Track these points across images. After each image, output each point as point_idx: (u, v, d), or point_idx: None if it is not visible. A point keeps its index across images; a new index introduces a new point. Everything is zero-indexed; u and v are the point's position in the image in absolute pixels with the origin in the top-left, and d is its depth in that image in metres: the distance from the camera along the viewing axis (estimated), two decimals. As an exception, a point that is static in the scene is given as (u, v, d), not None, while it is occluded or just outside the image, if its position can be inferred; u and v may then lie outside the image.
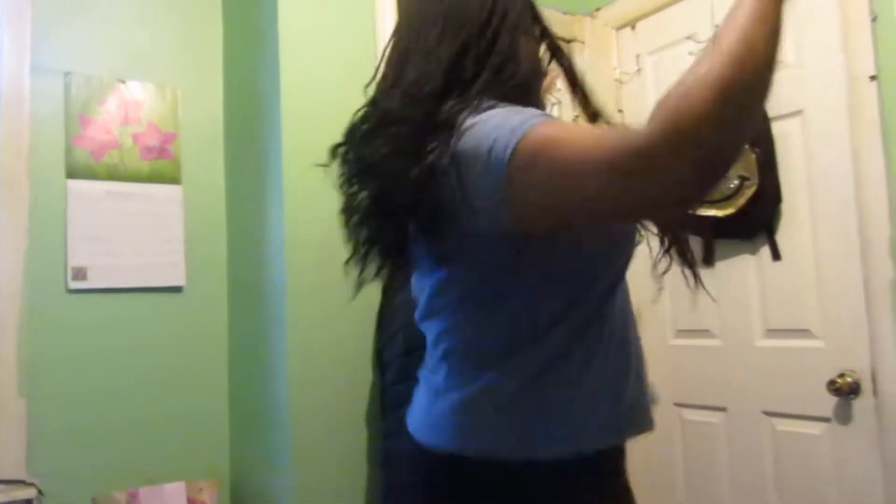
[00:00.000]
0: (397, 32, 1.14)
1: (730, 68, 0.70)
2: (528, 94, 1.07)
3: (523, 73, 1.06)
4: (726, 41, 0.73)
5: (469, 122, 0.94)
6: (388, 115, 1.03)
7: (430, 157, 0.94)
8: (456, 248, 1.00)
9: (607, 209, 0.85)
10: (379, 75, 1.14)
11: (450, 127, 0.95)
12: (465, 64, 1.02)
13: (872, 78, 1.84)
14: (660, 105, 0.73)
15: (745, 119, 0.75)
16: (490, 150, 0.88)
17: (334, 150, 1.13)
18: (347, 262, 1.11)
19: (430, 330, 1.13)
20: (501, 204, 0.89)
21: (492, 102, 0.97)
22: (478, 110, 0.95)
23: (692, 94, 0.70)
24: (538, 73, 1.13)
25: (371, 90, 1.15)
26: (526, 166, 0.85)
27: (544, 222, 0.91)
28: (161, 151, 2.19)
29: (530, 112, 0.91)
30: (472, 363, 1.05)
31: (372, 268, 1.10)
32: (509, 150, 0.86)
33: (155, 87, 2.21)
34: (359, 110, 1.12)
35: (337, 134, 1.98)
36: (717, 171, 0.75)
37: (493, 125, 0.91)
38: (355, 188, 1.09)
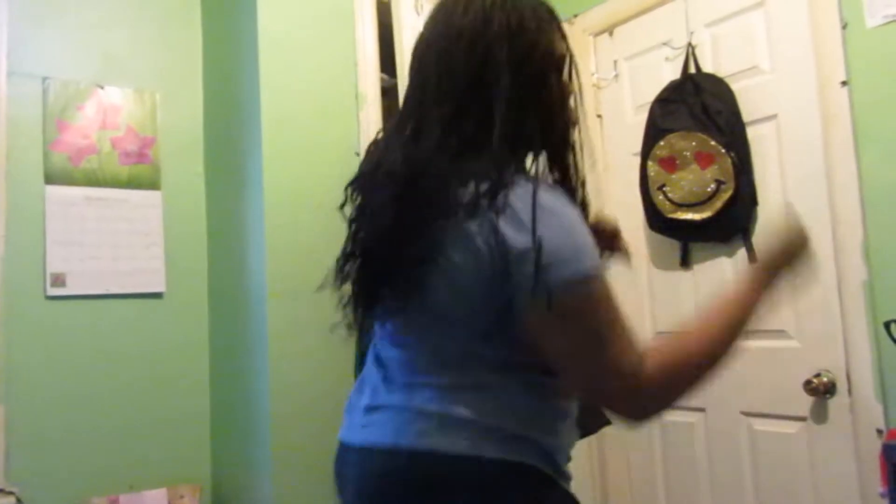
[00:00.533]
0: (408, 86, 1.12)
1: (706, 368, 1.01)
2: (543, 144, 1.07)
3: (531, 126, 1.04)
4: (714, 339, 1.03)
5: (514, 201, 0.95)
6: (393, 170, 1.03)
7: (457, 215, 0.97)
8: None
9: (578, 380, 1.02)
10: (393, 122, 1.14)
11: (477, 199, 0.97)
12: (463, 122, 1.01)
13: (844, 83, 1.88)
14: (660, 361, 0.98)
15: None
16: (546, 263, 0.93)
17: (347, 190, 1.16)
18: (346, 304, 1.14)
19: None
20: (522, 306, 0.96)
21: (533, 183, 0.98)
22: (517, 188, 0.97)
23: (679, 373, 1.00)
24: (554, 122, 1.10)
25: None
26: (568, 310, 0.95)
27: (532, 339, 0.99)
28: (140, 156, 2.18)
29: (589, 245, 0.97)
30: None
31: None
32: (562, 286, 0.93)
33: (133, 91, 2.20)
34: (370, 146, 1.14)
35: (317, 137, 2.00)
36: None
37: (556, 236, 0.94)
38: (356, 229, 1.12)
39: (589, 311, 0.96)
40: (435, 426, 1.01)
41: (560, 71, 1.10)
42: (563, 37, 1.11)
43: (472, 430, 1.00)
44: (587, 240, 0.97)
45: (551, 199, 0.97)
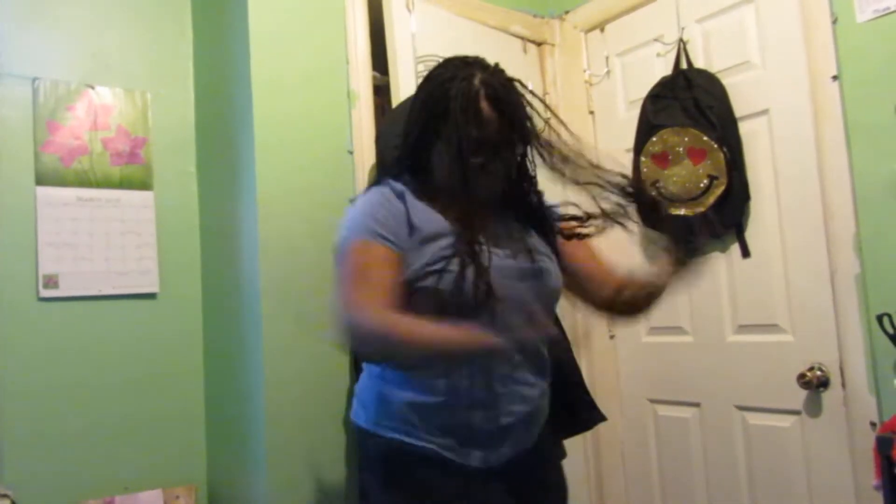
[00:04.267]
0: None
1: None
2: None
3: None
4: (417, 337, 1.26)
5: None
6: None
7: None
8: None
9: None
10: None
11: None
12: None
13: (834, 78, 1.89)
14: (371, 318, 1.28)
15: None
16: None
17: None
18: None
19: None
20: None
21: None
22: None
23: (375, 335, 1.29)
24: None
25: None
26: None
27: None
28: (132, 157, 2.17)
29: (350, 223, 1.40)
30: None
31: None
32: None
33: (124, 91, 2.19)
34: None
35: (309, 135, 2.00)
36: None
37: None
38: None
39: (340, 264, 1.36)
40: None
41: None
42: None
43: None
44: (353, 219, 1.38)
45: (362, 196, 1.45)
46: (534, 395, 1.43)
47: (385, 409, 1.41)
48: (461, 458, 1.37)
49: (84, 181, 2.08)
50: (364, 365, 1.53)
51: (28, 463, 1.92)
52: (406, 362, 1.36)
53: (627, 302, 1.47)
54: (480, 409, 1.37)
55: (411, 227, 1.36)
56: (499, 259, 1.37)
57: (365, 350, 1.37)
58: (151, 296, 2.16)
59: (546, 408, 1.49)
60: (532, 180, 1.50)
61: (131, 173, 2.16)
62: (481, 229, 1.38)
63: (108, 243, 2.10)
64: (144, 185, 2.19)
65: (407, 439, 1.38)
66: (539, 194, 1.52)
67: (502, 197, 1.47)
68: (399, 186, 1.42)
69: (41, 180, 2.02)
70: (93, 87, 2.14)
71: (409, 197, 1.40)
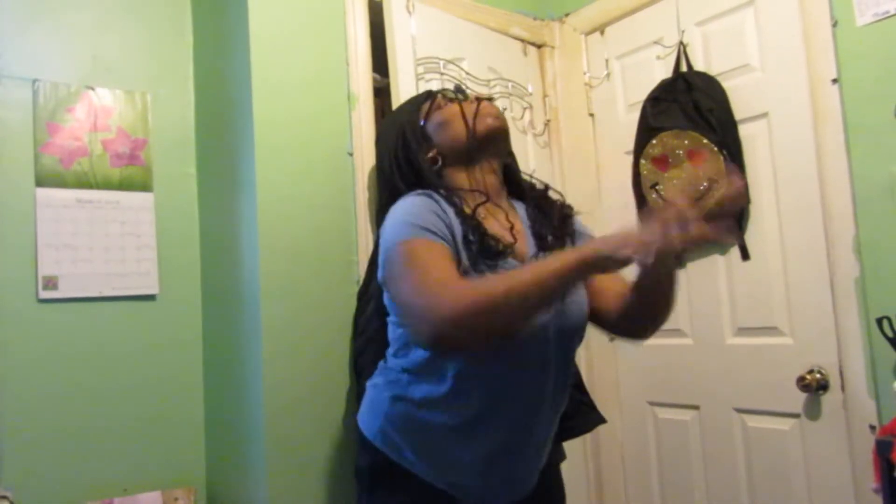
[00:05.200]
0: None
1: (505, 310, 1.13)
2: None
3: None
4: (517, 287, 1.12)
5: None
6: None
7: None
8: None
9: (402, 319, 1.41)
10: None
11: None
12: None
13: (834, 81, 1.89)
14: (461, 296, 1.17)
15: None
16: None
17: None
18: None
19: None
20: None
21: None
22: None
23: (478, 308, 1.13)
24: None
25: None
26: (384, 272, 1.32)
27: None
28: (132, 158, 2.17)
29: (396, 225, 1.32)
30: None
31: None
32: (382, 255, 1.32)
33: (124, 93, 2.19)
34: None
35: (309, 137, 2.00)
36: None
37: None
38: None
39: (400, 263, 1.25)
40: None
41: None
42: None
43: None
44: (397, 220, 1.31)
45: (398, 204, 1.37)
46: (548, 447, 1.47)
47: (392, 441, 1.42)
48: (460, 494, 1.40)
49: (84, 183, 2.08)
50: (378, 383, 1.51)
51: (27, 465, 1.92)
52: (524, 316, 1.16)
53: (631, 310, 1.38)
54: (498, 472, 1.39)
55: (453, 237, 1.32)
56: None
57: (478, 325, 1.12)
58: (151, 297, 2.16)
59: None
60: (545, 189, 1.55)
61: (131, 175, 2.16)
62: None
63: (107, 245, 2.10)
64: (144, 186, 2.18)
65: (404, 465, 1.40)
66: (569, 208, 1.54)
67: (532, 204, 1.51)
68: (436, 196, 1.38)
69: (41, 182, 2.02)
70: (93, 89, 2.14)
71: (445, 205, 1.37)
